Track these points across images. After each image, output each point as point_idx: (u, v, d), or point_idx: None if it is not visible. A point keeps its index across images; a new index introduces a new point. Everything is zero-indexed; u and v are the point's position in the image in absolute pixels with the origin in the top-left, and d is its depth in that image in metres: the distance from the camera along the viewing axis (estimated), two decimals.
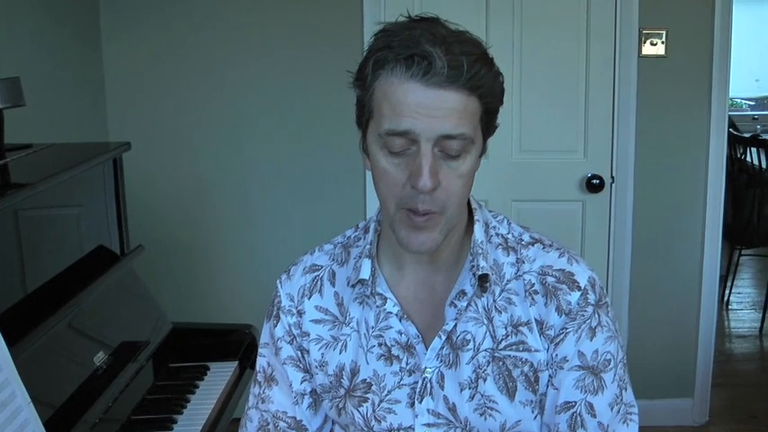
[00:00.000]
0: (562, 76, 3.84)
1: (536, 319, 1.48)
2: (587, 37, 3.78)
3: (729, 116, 4.05)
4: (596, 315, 1.48)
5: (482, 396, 1.48)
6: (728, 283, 5.93)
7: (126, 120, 3.81)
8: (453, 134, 1.33)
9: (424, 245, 1.40)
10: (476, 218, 1.52)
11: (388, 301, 1.51)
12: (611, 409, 1.48)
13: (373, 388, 1.53)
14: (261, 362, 1.66)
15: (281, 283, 1.63)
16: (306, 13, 3.80)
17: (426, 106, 1.31)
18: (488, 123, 1.41)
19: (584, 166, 3.89)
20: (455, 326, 1.49)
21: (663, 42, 3.76)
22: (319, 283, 1.60)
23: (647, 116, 3.83)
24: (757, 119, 7.78)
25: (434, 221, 1.38)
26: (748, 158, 5.72)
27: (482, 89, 1.35)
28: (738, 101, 8.14)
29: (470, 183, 1.42)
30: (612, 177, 3.89)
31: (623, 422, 1.50)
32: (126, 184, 2.70)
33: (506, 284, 1.49)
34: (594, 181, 3.87)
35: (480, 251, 1.48)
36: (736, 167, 5.72)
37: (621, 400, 1.50)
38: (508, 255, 1.51)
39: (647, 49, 3.77)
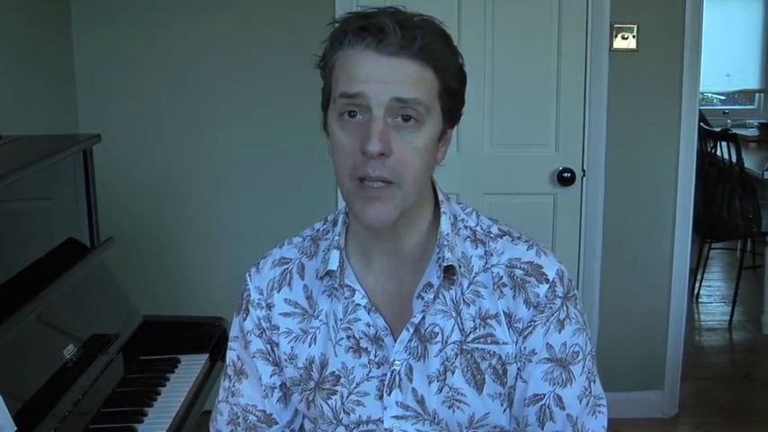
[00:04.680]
0: (533, 69, 3.85)
1: (504, 312, 1.48)
2: (559, 31, 3.79)
3: (700, 111, 4.08)
4: (564, 307, 1.48)
5: (450, 389, 1.48)
6: (698, 277, 5.97)
7: (96, 112, 3.78)
8: (405, 98, 1.35)
9: (378, 217, 1.39)
10: (442, 210, 1.52)
11: (356, 293, 1.51)
12: (580, 402, 1.49)
13: (342, 380, 1.53)
14: (231, 355, 1.66)
15: (250, 276, 1.63)
16: (277, 6, 3.80)
17: (379, 73, 1.34)
18: (450, 105, 1.43)
19: (556, 159, 3.90)
20: (423, 318, 1.49)
21: (634, 36, 3.78)
22: (288, 276, 1.59)
23: (618, 110, 3.85)
24: (728, 113, 7.82)
25: (388, 193, 1.38)
26: (719, 153, 5.75)
27: (437, 62, 1.37)
28: (709, 95, 8.17)
29: (429, 161, 1.43)
30: (584, 171, 3.90)
31: (592, 414, 1.51)
32: (96, 176, 2.69)
33: (474, 277, 1.49)
34: (566, 174, 3.88)
35: (446, 243, 1.48)
36: (706, 162, 5.75)
37: (590, 392, 1.51)
38: (476, 247, 1.51)
39: (619, 43, 3.79)
